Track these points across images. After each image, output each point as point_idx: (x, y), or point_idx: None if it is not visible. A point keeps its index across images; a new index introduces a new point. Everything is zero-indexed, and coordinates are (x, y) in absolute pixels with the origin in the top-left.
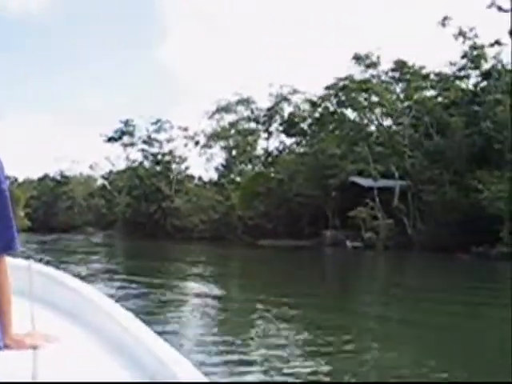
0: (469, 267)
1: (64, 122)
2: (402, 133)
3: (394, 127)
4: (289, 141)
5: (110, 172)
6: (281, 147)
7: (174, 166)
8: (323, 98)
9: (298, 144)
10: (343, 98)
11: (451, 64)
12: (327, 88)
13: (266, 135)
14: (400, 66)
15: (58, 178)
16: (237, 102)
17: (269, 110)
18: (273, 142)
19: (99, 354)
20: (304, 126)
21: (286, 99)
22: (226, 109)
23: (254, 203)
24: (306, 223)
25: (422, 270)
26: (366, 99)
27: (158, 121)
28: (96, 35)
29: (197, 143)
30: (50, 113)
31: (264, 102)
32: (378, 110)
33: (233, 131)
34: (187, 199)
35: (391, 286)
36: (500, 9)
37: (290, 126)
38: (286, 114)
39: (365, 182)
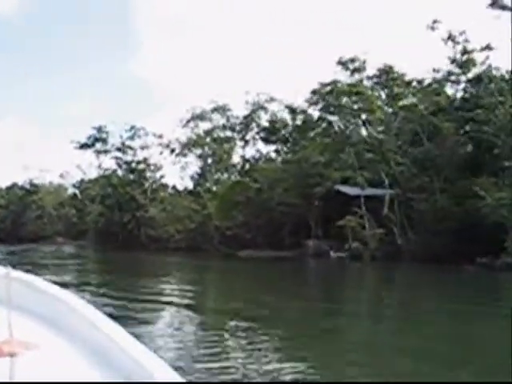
0: (473, 278)
1: (33, 131)
2: (390, 139)
3: (382, 135)
4: (267, 148)
5: (82, 181)
6: (257, 155)
7: (148, 174)
8: (310, 103)
9: (278, 152)
10: (330, 102)
11: (434, 71)
12: (313, 93)
13: (242, 143)
14: (385, 71)
15: (27, 186)
16: (212, 110)
17: (245, 117)
18: (249, 150)
19: (78, 360)
20: (285, 132)
21: (262, 107)
22: (200, 117)
23: (232, 213)
24: (287, 233)
25: (413, 281)
26: (355, 103)
27: (133, 127)
28: (68, 44)
29: (172, 151)
30: (19, 121)
31: (240, 110)
32: (364, 116)
33: (208, 139)
34: (162, 208)
35: (379, 298)
36: (504, 8)
37: (270, 133)
38: (263, 122)
39: (351, 190)
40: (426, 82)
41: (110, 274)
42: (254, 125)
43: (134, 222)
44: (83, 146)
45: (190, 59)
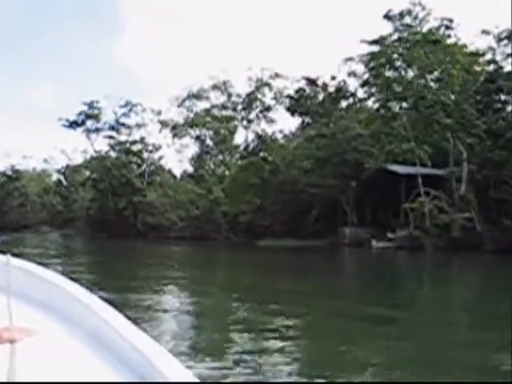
0: None
1: (14, 118)
2: (467, 102)
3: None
4: (279, 126)
5: (67, 166)
6: (256, 138)
7: (145, 154)
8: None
9: (303, 127)
10: (392, 57)
11: None
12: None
13: (245, 123)
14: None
15: (9, 173)
16: (212, 87)
17: (248, 95)
18: (254, 129)
19: (78, 347)
20: (315, 102)
21: (267, 84)
22: (197, 95)
23: (244, 197)
24: (314, 219)
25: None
26: (429, 55)
27: (128, 103)
28: (50, 31)
29: (174, 127)
30: None
31: (242, 88)
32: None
33: (208, 118)
34: (162, 193)
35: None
36: None
37: (296, 105)
38: (267, 100)
39: (402, 169)
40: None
41: (103, 270)
42: (257, 103)
43: (130, 209)
44: (72, 124)
45: (182, 38)
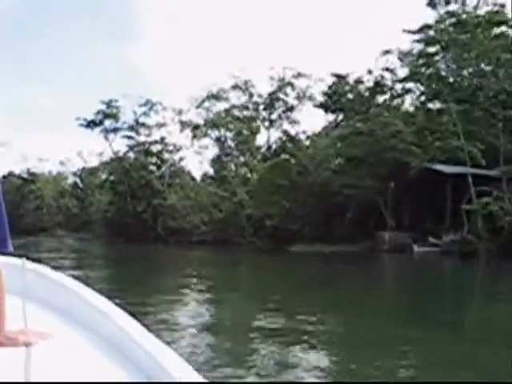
0: None
1: (30, 121)
2: None
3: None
4: (302, 127)
5: (83, 169)
6: (284, 137)
7: (166, 155)
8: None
9: (336, 124)
10: (447, 41)
11: None
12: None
13: (267, 123)
14: None
15: (25, 175)
16: (233, 87)
17: (270, 94)
18: (276, 129)
19: (93, 352)
20: (350, 98)
21: (289, 83)
22: (217, 96)
23: (271, 199)
24: (348, 223)
25: None
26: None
27: (148, 102)
28: (64, 33)
29: (196, 127)
30: (15, 108)
31: (263, 88)
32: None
33: (229, 118)
34: (183, 195)
35: None
36: None
37: (329, 101)
38: (290, 100)
39: (449, 168)
40: None
41: (126, 278)
42: (280, 103)
43: (150, 212)
44: (90, 124)
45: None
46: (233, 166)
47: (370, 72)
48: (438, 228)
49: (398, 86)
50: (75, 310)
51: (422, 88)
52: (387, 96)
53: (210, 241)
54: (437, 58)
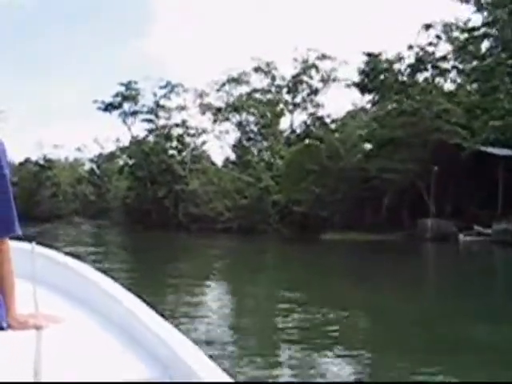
0: None
1: (46, 109)
2: None
3: None
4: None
5: (100, 155)
6: (309, 121)
7: (187, 139)
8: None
9: (373, 104)
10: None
11: None
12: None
13: (290, 107)
14: None
15: (41, 162)
16: (255, 70)
17: (294, 77)
18: (300, 113)
19: (103, 336)
20: (388, 76)
21: (313, 66)
22: (238, 79)
23: (299, 185)
24: (384, 211)
25: None
26: None
27: (168, 84)
28: (82, 23)
29: (219, 110)
30: (32, 97)
31: (286, 70)
32: None
33: (251, 102)
34: (206, 181)
35: None
36: None
37: (366, 80)
38: (314, 83)
39: (500, 151)
40: None
41: (141, 266)
42: (304, 86)
43: (171, 198)
44: (108, 107)
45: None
46: (256, 151)
47: (410, 48)
48: (487, 215)
49: (440, 63)
50: (85, 294)
51: (473, 63)
52: (428, 74)
53: (234, 228)
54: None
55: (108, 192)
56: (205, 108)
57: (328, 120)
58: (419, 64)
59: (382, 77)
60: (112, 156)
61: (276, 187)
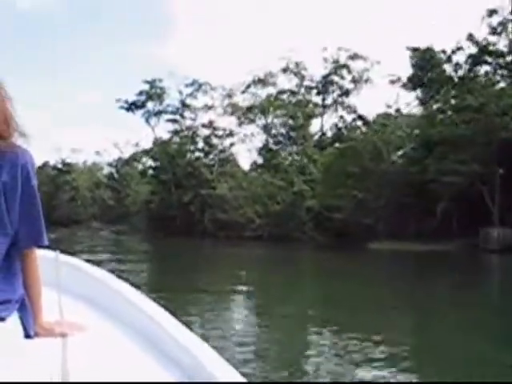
0: None
1: (63, 114)
2: None
3: None
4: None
5: (119, 159)
6: (340, 123)
7: (214, 141)
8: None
9: (423, 102)
10: None
11: None
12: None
13: (320, 109)
14: None
15: (60, 166)
16: (282, 70)
17: (324, 77)
18: (330, 115)
19: (126, 343)
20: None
21: (344, 66)
22: (263, 81)
23: (338, 190)
24: (439, 217)
25: None
26: None
27: (195, 82)
28: (97, 31)
29: (249, 109)
30: (49, 104)
31: (316, 70)
32: None
33: (279, 102)
34: (235, 185)
35: None
36: None
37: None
38: (346, 84)
39: None
40: None
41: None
42: (335, 87)
43: (197, 203)
44: (131, 106)
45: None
46: (286, 154)
47: (470, 37)
48: None
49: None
50: (108, 302)
51: None
52: (489, 68)
53: (265, 236)
54: None
55: (127, 197)
56: (233, 108)
57: (360, 122)
58: (481, 55)
59: (435, 71)
60: (132, 160)
61: (310, 192)
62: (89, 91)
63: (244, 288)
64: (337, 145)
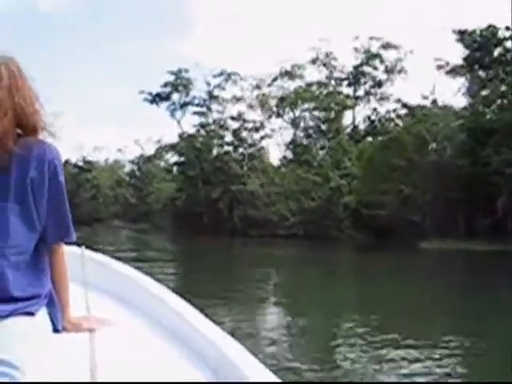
0: None
1: (86, 112)
2: None
3: None
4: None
5: (141, 156)
6: (373, 115)
7: (244, 134)
8: None
9: (482, 86)
10: None
11: None
12: None
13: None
14: None
15: (81, 164)
16: (312, 61)
17: (355, 68)
18: (362, 108)
19: (153, 338)
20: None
21: (376, 55)
22: (291, 73)
23: (381, 185)
24: (501, 213)
25: None
26: None
27: (223, 72)
28: (120, 31)
29: (282, 99)
30: (69, 102)
31: (347, 61)
32: None
33: (308, 94)
34: (267, 180)
35: None
36: None
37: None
38: (379, 74)
39: None
40: None
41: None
42: (367, 78)
43: (226, 200)
44: (155, 99)
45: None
46: (316, 148)
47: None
48: None
49: None
50: (134, 298)
51: None
52: None
53: (300, 235)
54: None
55: (150, 194)
56: (264, 99)
57: (403, 111)
58: None
59: (496, 51)
60: (154, 157)
61: (347, 187)
62: (111, 89)
63: (279, 292)
64: (370, 139)
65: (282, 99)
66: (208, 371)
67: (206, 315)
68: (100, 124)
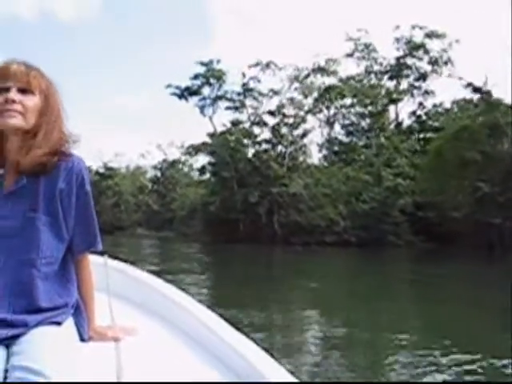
0: None
1: (106, 118)
2: None
3: None
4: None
5: (164, 161)
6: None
7: (284, 130)
8: None
9: None
10: None
11: None
12: None
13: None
14: None
15: (102, 170)
16: (348, 55)
17: (398, 59)
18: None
19: (178, 347)
20: None
21: (420, 46)
22: (324, 69)
23: (449, 182)
24: None
25: None
26: None
27: (259, 62)
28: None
29: (327, 90)
30: (93, 107)
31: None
32: None
33: (349, 89)
34: (311, 181)
35: None
36: None
37: None
38: (424, 66)
39: None
40: None
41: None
42: (409, 71)
43: (266, 203)
44: (184, 93)
45: None
46: (360, 146)
47: None
48: None
49: None
50: (157, 306)
51: None
52: None
53: (352, 242)
54: None
55: (174, 201)
56: (307, 90)
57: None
58: None
59: None
60: (179, 161)
61: (403, 187)
62: (130, 94)
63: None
64: (416, 135)
65: (319, 95)
66: (233, 378)
67: (229, 322)
68: (122, 130)
